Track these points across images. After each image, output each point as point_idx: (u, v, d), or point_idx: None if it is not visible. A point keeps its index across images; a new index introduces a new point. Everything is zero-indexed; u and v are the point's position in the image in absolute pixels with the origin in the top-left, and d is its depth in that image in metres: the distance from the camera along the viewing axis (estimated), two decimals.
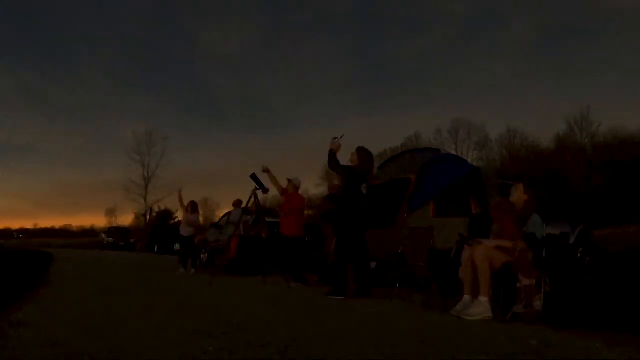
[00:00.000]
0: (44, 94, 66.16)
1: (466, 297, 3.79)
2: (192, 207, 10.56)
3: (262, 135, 66.49)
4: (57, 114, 69.00)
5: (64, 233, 67.15)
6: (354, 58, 63.28)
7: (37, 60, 66.54)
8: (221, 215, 17.70)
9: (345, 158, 5.37)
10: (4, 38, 61.52)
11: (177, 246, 17.86)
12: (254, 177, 6.88)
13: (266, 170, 6.83)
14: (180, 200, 10.19)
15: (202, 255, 11.32)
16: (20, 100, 68.12)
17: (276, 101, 66.52)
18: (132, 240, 26.59)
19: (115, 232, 28.33)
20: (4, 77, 65.18)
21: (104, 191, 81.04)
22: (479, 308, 3.53)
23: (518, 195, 4.06)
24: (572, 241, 8.90)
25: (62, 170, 77.04)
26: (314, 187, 44.40)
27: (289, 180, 7.24)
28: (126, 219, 45.72)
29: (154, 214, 32.59)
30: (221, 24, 61.63)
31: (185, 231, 10.29)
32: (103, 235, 28.87)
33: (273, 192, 7.93)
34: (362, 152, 5.38)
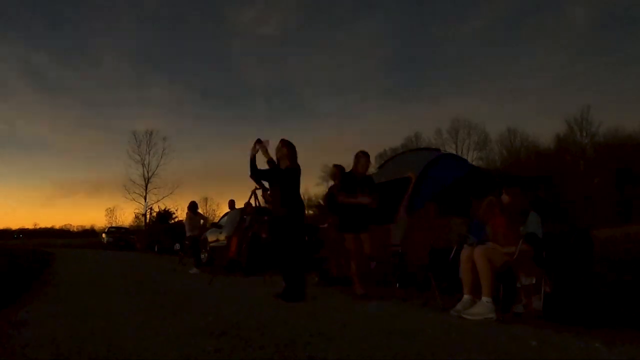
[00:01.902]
0: (55, 79, 58.49)
1: (465, 297, 3.79)
2: (193, 208, 10.63)
3: (286, 127, 62.21)
4: (70, 103, 61.62)
5: (64, 233, 66.98)
6: (393, 43, 58.86)
7: (47, 38, 57.41)
8: (220, 215, 17.71)
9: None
10: (10, 12, 53.23)
11: (177, 246, 17.87)
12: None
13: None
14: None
15: (202, 255, 11.34)
16: (29, 85, 59.59)
17: (303, 91, 62.10)
18: (132, 241, 26.58)
19: (115, 232, 28.34)
20: (10, 57, 55.60)
21: (107, 190, 79.00)
22: (482, 308, 3.52)
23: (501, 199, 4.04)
24: (571, 241, 8.90)
25: (70, 168, 70.33)
26: (314, 186, 44.36)
27: None
28: (126, 219, 45.66)
29: (154, 214, 32.63)
30: (259, 3, 56.74)
31: (190, 231, 10.32)
32: (103, 235, 28.87)
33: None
34: (287, 144, 4.95)
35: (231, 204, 10.23)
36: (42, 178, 76.79)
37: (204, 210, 54.50)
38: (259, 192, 7.30)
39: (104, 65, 58.00)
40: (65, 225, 73.37)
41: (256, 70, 61.21)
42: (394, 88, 61.34)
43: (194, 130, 63.47)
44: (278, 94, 63.66)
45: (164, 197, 33.33)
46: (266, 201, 7.30)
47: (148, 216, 33.38)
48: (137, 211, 36.74)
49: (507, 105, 55.95)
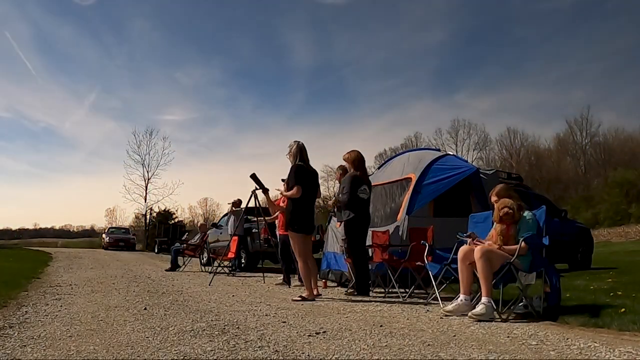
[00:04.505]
0: (73, 53, 50.67)
1: (461, 297, 3.78)
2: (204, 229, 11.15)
3: (323, 113, 58.32)
4: (89, 85, 54.36)
5: (64, 233, 66.86)
6: (458, 19, 53.24)
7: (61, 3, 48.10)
8: (221, 215, 17.70)
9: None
10: None
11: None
12: (253, 177, 6.89)
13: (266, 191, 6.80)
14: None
15: (202, 255, 11.36)
16: (41, 59, 51.26)
17: (349, 75, 56.43)
18: (132, 241, 26.58)
19: (115, 232, 28.34)
20: (22, 29, 47.63)
21: (110, 189, 75.30)
22: (483, 308, 3.49)
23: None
24: (572, 240, 8.91)
25: (75, 165, 64.13)
26: None
27: (284, 181, 7.27)
28: (126, 220, 45.33)
29: (154, 215, 32.62)
30: None
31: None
32: (103, 236, 28.87)
33: (273, 192, 8.00)
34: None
35: (238, 203, 10.20)
36: (45, 174, 74.01)
37: (204, 211, 54.48)
38: (259, 192, 7.30)
39: (131, 40, 51.29)
40: (65, 225, 73.33)
41: (302, 48, 55.32)
42: (442, 73, 56.12)
43: (219, 119, 57.79)
44: (320, 74, 57.76)
45: (164, 198, 33.33)
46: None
47: (148, 216, 33.34)
48: (137, 211, 36.75)
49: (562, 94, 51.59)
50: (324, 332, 3.04)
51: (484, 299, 3.52)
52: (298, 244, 5.03)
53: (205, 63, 54.72)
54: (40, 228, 71.35)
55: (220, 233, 12.39)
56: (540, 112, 54.24)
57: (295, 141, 5.22)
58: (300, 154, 5.13)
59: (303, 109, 59.68)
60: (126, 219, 45.87)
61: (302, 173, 5.05)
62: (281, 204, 7.13)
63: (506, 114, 57.72)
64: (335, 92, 58.64)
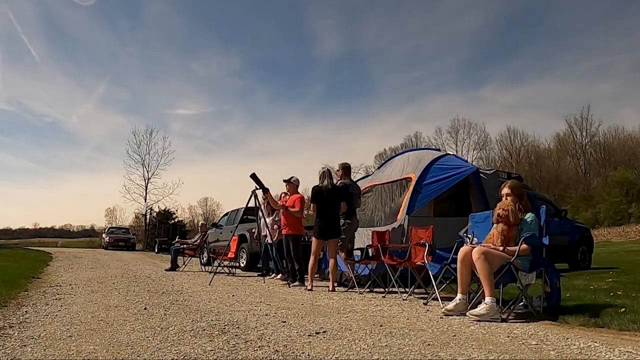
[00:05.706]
0: (82, 39, 44.79)
1: (458, 296, 3.77)
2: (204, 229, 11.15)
3: (337, 111, 54.94)
4: (98, 75, 48.62)
5: (64, 233, 66.82)
6: (499, 4, 50.55)
7: None
8: (220, 214, 17.67)
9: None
10: None
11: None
12: (254, 177, 6.89)
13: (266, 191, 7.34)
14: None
15: (202, 255, 11.36)
16: (47, 45, 45.89)
17: (373, 66, 53.80)
18: (132, 240, 26.59)
19: (115, 232, 28.34)
20: (19, 2, 40.42)
21: (111, 189, 72.96)
22: (487, 309, 3.48)
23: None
24: (572, 240, 8.92)
25: (77, 162, 60.88)
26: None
27: (286, 182, 7.26)
28: (126, 219, 45.01)
29: (154, 214, 32.61)
30: None
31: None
32: (103, 236, 28.89)
33: (274, 192, 8.01)
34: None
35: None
36: (46, 172, 72.49)
37: (204, 211, 54.49)
38: (259, 193, 7.30)
39: (147, 25, 46.44)
40: (65, 225, 73.30)
41: (328, 35, 52.22)
42: (470, 64, 54.03)
43: (233, 113, 53.92)
44: (343, 65, 54.04)
45: (164, 197, 33.33)
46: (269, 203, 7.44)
47: (148, 216, 33.33)
48: (137, 211, 36.73)
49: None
50: (324, 332, 3.04)
51: (487, 299, 3.50)
52: (314, 245, 6.22)
53: (224, 52, 51.33)
54: (40, 228, 71.37)
55: (221, 233, 12.40)
56: (565, 107, 52.35)
57: (322, 167, 6.47)
58: (322, 177, 6.30)
59: (320, 102, 57.40)
60: (126, 218, 45.69)
61: (315, 194, 6.24)
62: (283, 204, 7.15)
63: (529, 109, 55.93)
64: (356, 85, 56.10)
